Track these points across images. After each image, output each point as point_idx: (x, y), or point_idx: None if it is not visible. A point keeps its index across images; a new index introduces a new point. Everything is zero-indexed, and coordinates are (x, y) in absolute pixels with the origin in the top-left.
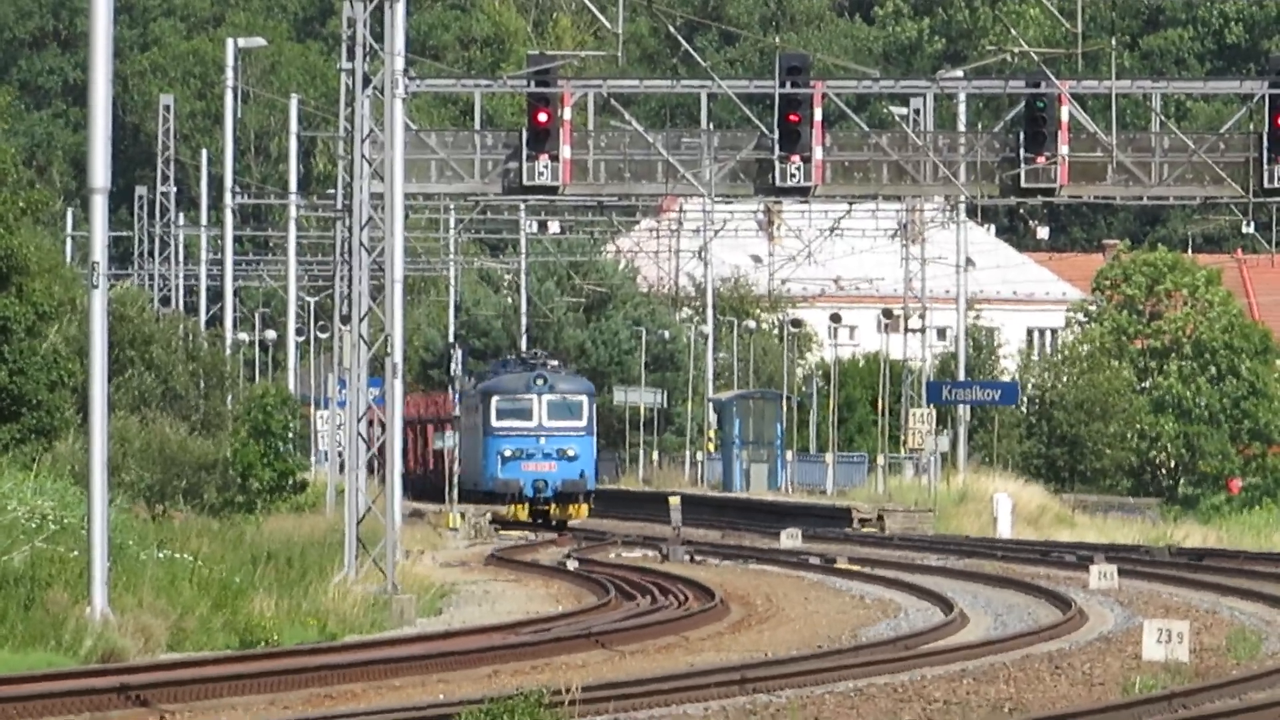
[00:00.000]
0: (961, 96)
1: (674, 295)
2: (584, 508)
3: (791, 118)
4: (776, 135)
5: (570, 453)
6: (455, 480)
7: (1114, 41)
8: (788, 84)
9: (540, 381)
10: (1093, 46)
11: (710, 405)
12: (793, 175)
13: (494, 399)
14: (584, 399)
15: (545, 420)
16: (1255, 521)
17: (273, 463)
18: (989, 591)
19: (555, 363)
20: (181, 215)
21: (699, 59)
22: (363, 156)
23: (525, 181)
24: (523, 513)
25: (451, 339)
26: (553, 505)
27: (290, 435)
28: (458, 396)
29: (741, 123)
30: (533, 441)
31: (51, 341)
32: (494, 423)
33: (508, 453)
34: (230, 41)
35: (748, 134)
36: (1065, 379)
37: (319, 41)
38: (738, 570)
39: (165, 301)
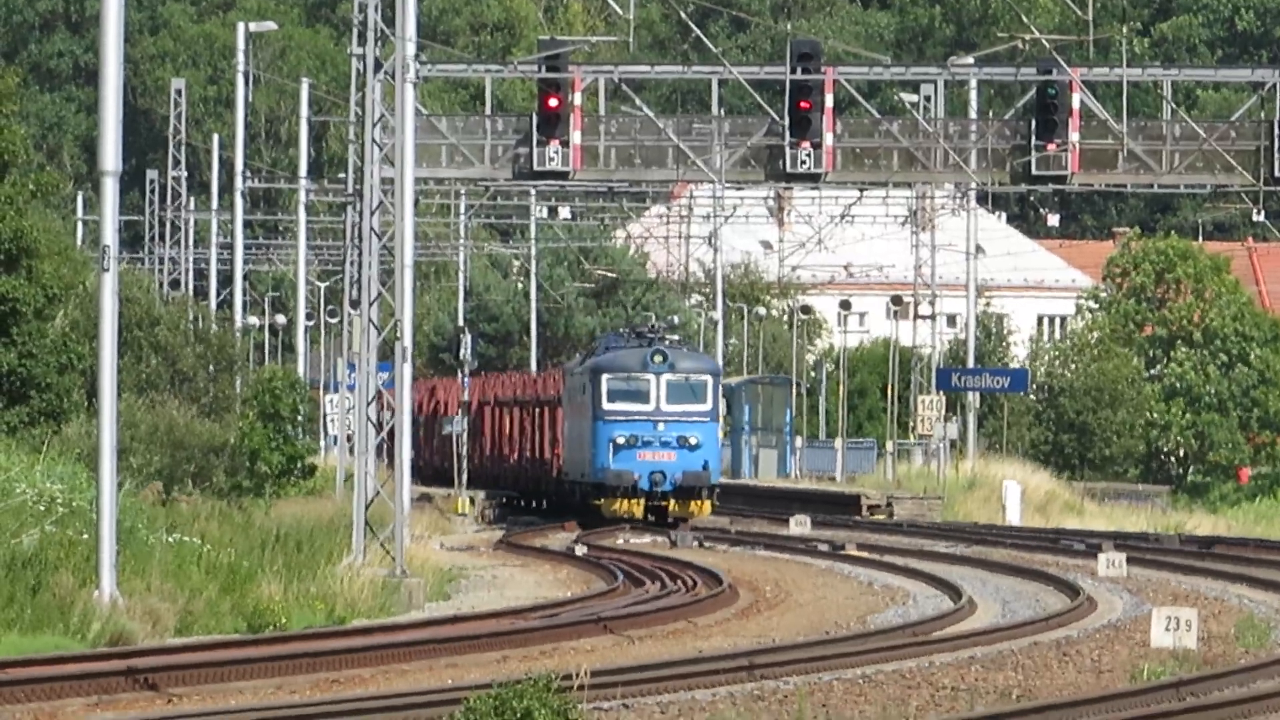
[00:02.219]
0: (973, 83)
1: (684, 281)
2: (706, 504)
3: (802, 104)
4: (787, 121)
5: (692, 441)
6: (463, 465)
7: (1125, 29)
8: (799, 70)
9: (659, 359)
10: (1104, 34)
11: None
12: (803, 161)
13: (605, 378)
14: (708, 379)
15: (664, 403)
16: (1264, 510)
17: (281, 446)
18: (997, 579)
19: (675, 337)
20: (192, 199)
21: (710, 45)
22: (373, 141)
23: (535, 167)
24: (637, 508)
25: (461, 324)
26: (671, 500)
27: (299, 419)
28: (563, 376)
29: (752, 109)
30: (649, 427)
31: (59, 325)
32: (605, 405)
33: (621, 440)
34: (241, 26)
35: (758, 120)
36: (1074, 366)
37: (329, 26)
38: (746, 556)
39: (175, 285)
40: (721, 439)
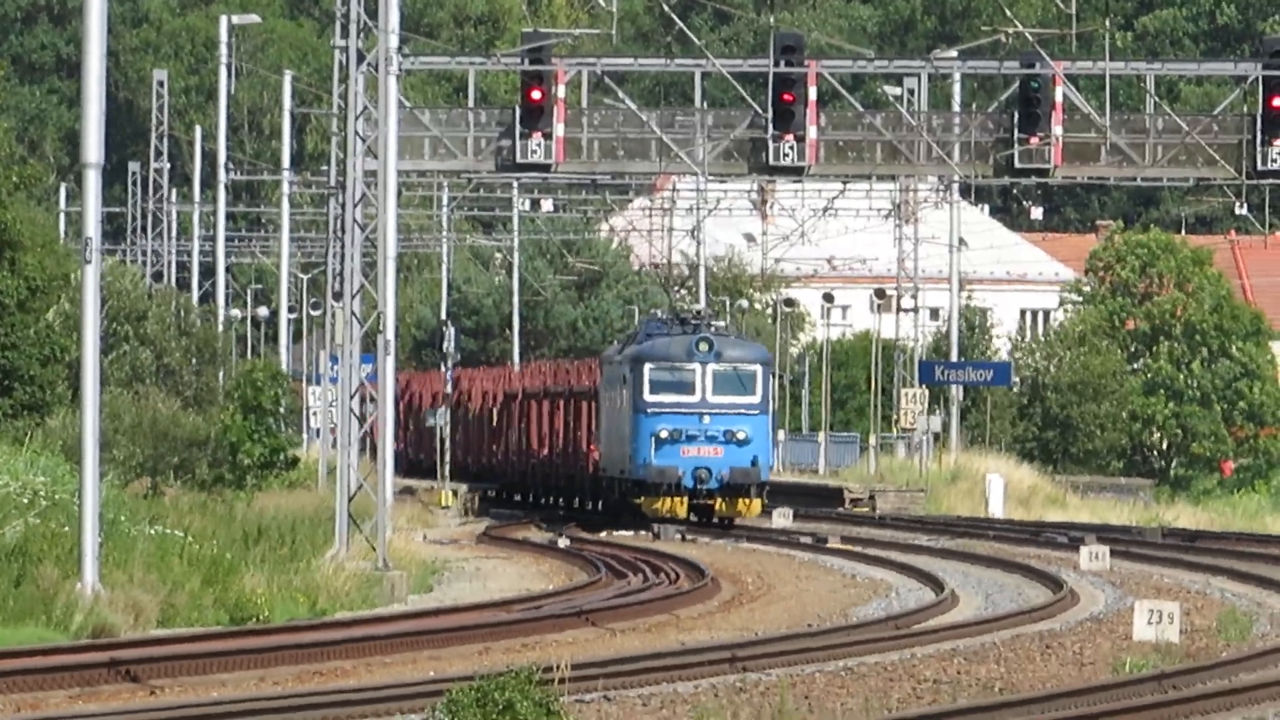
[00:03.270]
0: (956, 77)
1: (667, 274)
2: (756, 503)
3: (785, 97)
4: (770, 114)
5: (740, 435)
6: (446, 458)
7: (1108, 22)
8: (782, 63)
9: (704, 347)
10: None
11: None
12: (786, 154)
13: (646, 368)
14: (757, 369)
15: (710, 395)
16: (1247, 503)
17: (263, 439)
18: (980, 571)
19: (721, 324)
20: (174, 191)
21: (693, 37)
22: (356, 133)
23: (518, 159)
24: (680, 507)
25: (444, 316)
26: (718, 499)
27: (280, 411)
28: (599, 365)
29: (735, 102)
30: (694, 421)
31: (51, 318)
32: (647, 397)
33: (664, 434)
34: (224, 18)
35: (742, 113)
36: (1057, 360)
37: (312, 19)
38: (729, 549)
39: (158, 277)
40: (770, 436)
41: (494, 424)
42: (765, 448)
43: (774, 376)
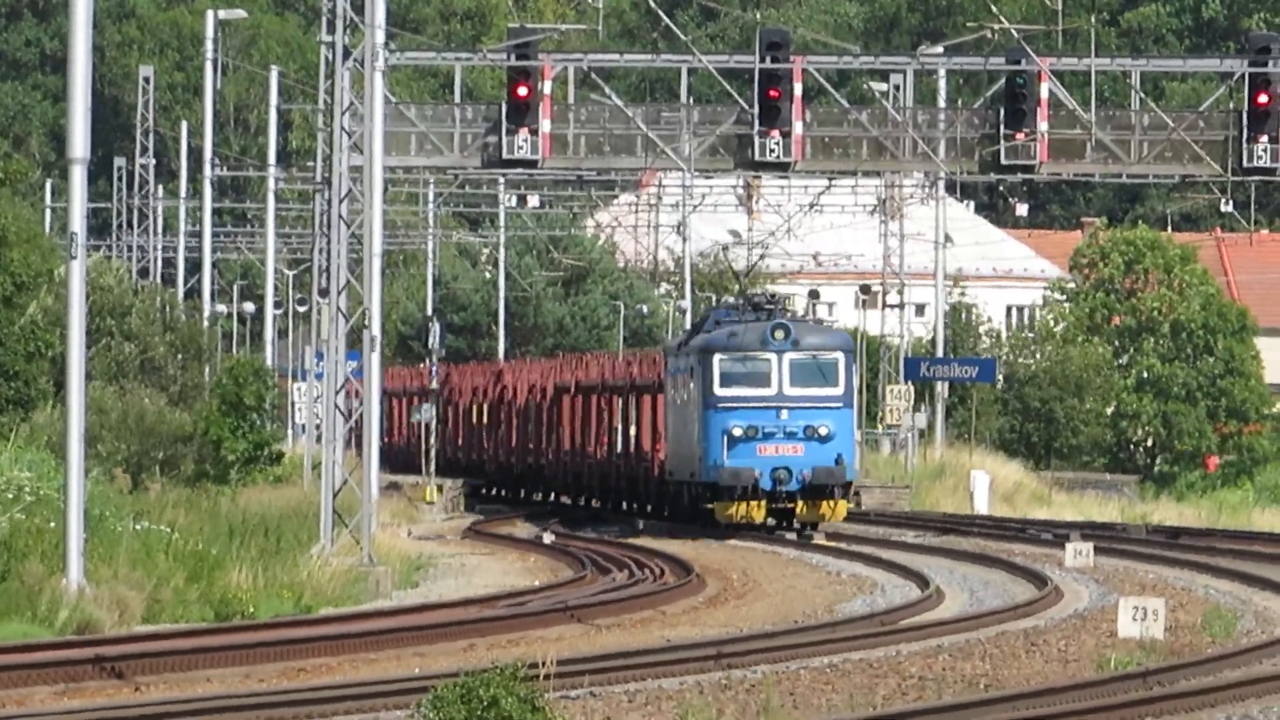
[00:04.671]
0: (941, 73)
1: (653, 270)
2: (841, 505)
3: (771, 93)
4: (756, 110)
5: (822, 430)
6: (431, 454)
7: (1093, 19)
8: (768, 59)
9: (780, 334)
10: (1072, 24)
11: None
12: (772, 150)
13: (716, 359)
14: (839, 357)
15: (788, 387)
16: (1231, 499)
17: (246, 434)
18: (965, 568)
19: (797, 309)
20: (160, 187)
21: (679, 33)
22: (342, 129)
23: (504, 155)
24: (758, 512)
25: (430, 312)
26: (799, 502)
27: (264, 407)
28: (665, 357)
29: (721, 98)
30: (771, 416)
31: (34, 313)
32: (717, 390)
33: (737, 431)
34: (210, 13)
35: (727, 109)
36: (1039, 355)
37: (298, 14)
38: (714, 545)
39: (143, 273)
40: (855, 432)
41: (542, 421)
42: (850, 444)
43: (857, 364)
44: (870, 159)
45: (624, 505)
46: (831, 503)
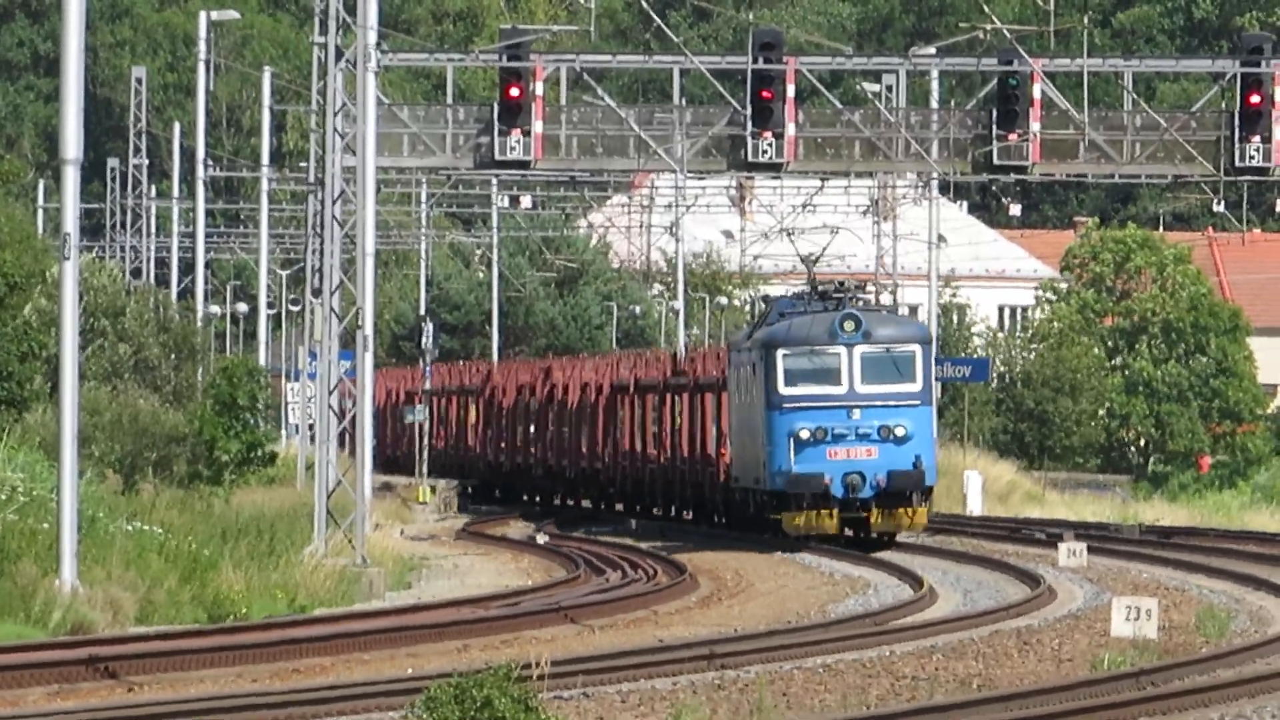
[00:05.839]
0: (934, 73)
1: (645, 271)
2: (921, 512)
3: (764, 94)
4: (749, 111)
5: (899, 431)
6: (424, 454)
7: (1085, 19)
8: (760, 60)
9: (850, 325)
10: (1065, 24)
11: None
12: (765, 151)
13: (780, 354)
14: (915, 350)
15: (860, 383)
16: (1224, 499)
17: (239, 435)
18: (958, 568)
19: (869, 296)
20: (153, 187)
21: (672, 34)
22: (335, 130)
23: (497, 156)
24: (829, 523)
25: (423, 313)
26: (874, 510)
27: (258, 407)
28: (728, 353)
29: (714, 99)
30: (842, 416)
31: (28, 314)
32: (782, 389)
33: (805, 433)
34: (203, 14)
35: (720, 110)
36: (1032, 355)
37: (291, 15)
38: (705, 544)
39: (136, 274)
40: (935, 432)
41: (598, 422)
42: (930, 445)
43: (934, 357)
44: (863, 160)
45: (688, 514)
46: (910, 510)
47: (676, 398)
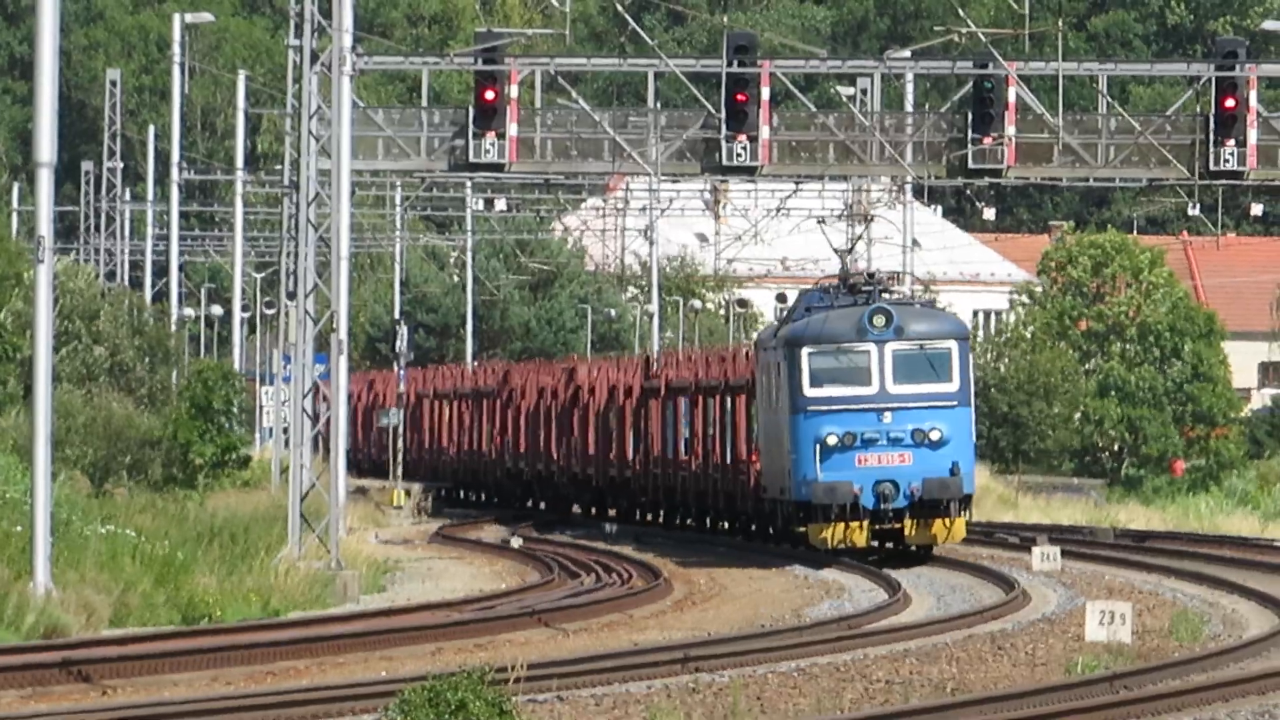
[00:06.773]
0: (909, 77)
1: (620, 274)
2: (959, 523)
3: (739, 97)
4: (723, 114)
5: (934, 435)
6: (399, 457)
7: (1060, 23)
8: (735, 63)
9: (881, 321)
10: (1039, 28)
11: None
12: (739, 155)
13: (805, 353)
14: (952, 346)
15: (891, 384)
16: (1198, 504)
17: (214, 438)
18: (932, 572)
19: (902, 290)
20: (127, 190)
21: (646, 38)
22: (310, 133)
23: (472, 159)
24: (859, 535)
25: (398, 316)
26: (908, 521)
27: (232, 411)
28: (755, 352)
29: (688, 102)
30: (872, 419)
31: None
32: (807, 390)
33: (832, 439)
34: (177, 16)
35: (694, 113)
36: (1007, 359)
37: (266, 18)
38: (682, 550)
39: (111, 276)
40: (974, 436)
41: (624, 427)
42: (968, 450)
43: (973, 354)
44: (837, 163)
45: (722, 525)
46: (946, 521)
47: (711, 400)
